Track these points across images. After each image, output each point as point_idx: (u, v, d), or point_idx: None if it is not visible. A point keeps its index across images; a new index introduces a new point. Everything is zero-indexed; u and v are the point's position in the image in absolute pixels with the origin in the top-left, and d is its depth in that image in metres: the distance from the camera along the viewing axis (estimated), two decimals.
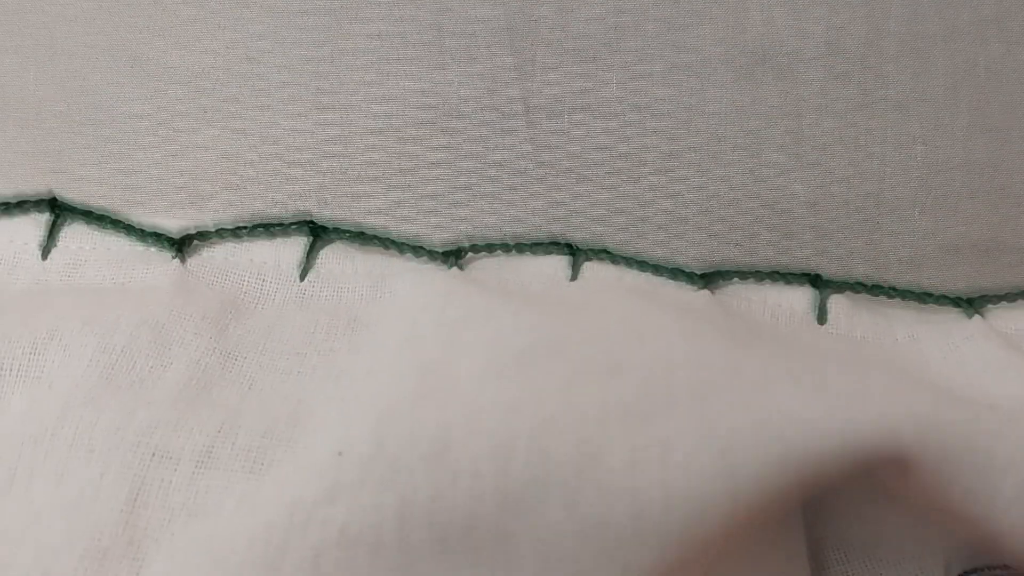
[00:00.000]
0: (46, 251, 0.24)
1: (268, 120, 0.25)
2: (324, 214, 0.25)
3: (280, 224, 0.25)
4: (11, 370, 0.21)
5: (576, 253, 0.25)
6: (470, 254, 0.25)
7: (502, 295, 0.23)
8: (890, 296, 0.25)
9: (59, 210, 0.25)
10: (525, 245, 0.24)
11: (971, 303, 0.25)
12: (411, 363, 0.21)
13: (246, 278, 0.24)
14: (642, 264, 0.24)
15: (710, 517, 0.18)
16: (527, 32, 0.25)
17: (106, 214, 0.25)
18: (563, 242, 0.25)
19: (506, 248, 0.25)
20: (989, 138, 0.25)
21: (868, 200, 0.25)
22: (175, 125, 0.26)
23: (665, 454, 0.19)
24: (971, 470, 0.20)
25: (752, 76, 0.25)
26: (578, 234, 0.25)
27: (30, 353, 0.21)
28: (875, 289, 0.25)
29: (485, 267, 0.25)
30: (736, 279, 0.24)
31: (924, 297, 0.25)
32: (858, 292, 0.25)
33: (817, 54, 0.25)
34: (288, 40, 0.25)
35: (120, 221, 0.25)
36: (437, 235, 0.25)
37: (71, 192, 0.25)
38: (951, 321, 0.25)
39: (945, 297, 0.25)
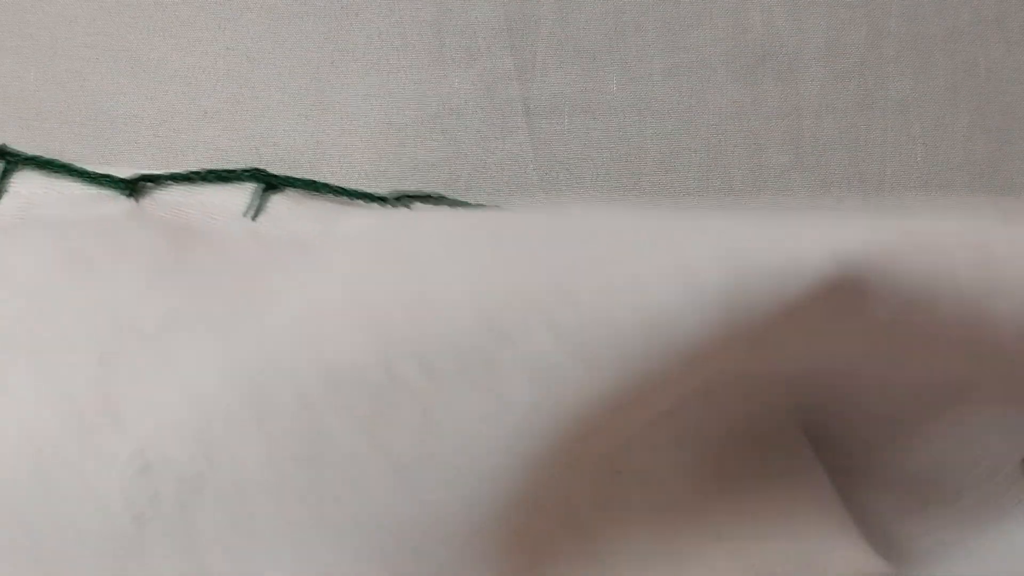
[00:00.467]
0: None
1: (268, 121, 0.25)
2: None
3: (231, 171, 0.24)
4: None
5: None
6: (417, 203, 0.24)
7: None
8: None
9: (9, 157, 0.25)
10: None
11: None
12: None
13: (197, 215, 0.24)
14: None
15: (682, 338, 0.19)
16: (527, 33, 0.25)
17: (55, 160, 0.25)
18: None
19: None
20: (989, 139, 0.25)
21: (868, 201, 0.25)
22: (175, 126, 0.26)
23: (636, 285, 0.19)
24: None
25: (752, 77, 0.25)
26: None
27: None
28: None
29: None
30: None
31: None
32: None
33: (817, 55, 0.25)
34: (288, 41, 0.25)
35: (70, 165, 0.25)
36: None
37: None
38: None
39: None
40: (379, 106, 0.25)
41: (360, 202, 0.24)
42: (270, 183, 0.24)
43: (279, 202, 0.24)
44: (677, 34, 0.25)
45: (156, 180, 0.24)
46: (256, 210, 0.24)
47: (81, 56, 0.26)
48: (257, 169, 0.24)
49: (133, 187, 0.24)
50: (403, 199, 0.24)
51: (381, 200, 0.24)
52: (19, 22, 0.26)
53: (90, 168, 0.25)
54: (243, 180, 0.24)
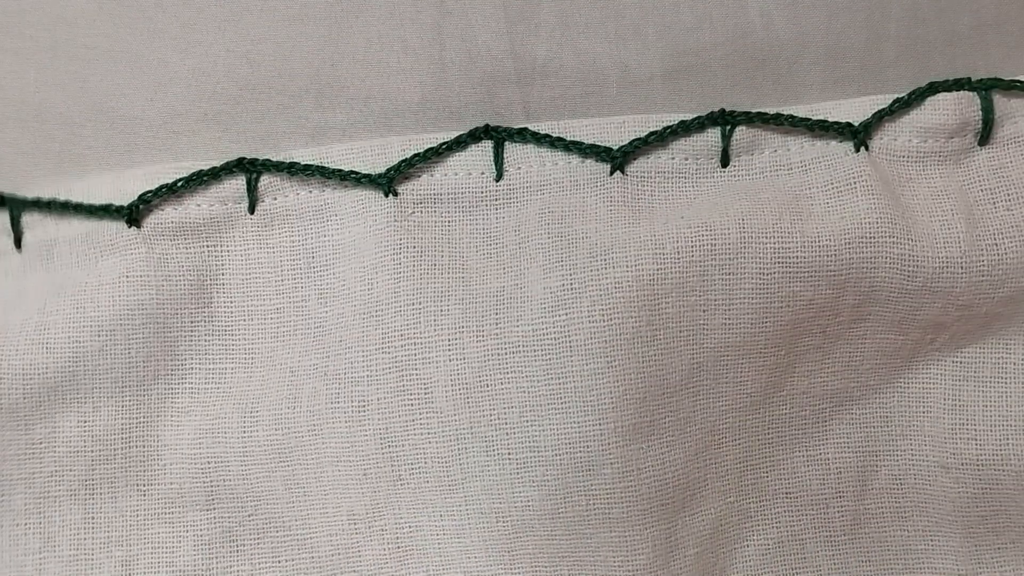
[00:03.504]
0: (19, 242, 0.25)
1: (268, 123, 0.25)
2: None
3: (213, 170, 0.24)
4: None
5: (496, 139, 0.24)
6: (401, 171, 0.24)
7: (444, 236, 0.23)
8: (786, 123, 0.24)
9: (12, 204, 0.25)
10: (446, 145, 0.24)
11: (859, 132, 0.24)
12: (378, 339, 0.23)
13: (204, 231, 0.24)
14: (558, 142, 0.24)
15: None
16: (527, 35, 0.25)
17: (55, 200, 0.25)
18: (483, 128, 0.24)
19: (429, 155, 0.24)
20: None
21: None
22: (175, 127, 0.26)
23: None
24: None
25: (752, 80, 0.25)
26: None
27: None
28: (776, 118, 0.24)
29: (420, 185, 0.24)
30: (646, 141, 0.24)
31: (813, 125, 0.24)
32: (755, 125, 0.24)
33: (817, 58, 0.25)
34: (288, 43, 0.25)
35: (69, 203, 0.25)
36: None
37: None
38: (841, 155, 0.24)
39: (836, 124, 0.24)
40: (379, 108, 0.25)
41: (348, 183, 0.24)
42: (253, 170, 0.24)
43: (269, 191, 0.24)
44: (677, 38, 0.25)
45: (147, 200, 0.24)
46: (251, 203, 0.24)
47: (81, 57, 0.26)
48: (237, 160, 0.24)
49: (131, 213, 0.24)
50: (387, 177, 0.23)
51: (366, 180, 0.24)
52: (19, 23, 0.26)
53: (86, 202, 0.25)
54: (230, 176, 0.24)
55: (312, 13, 0.25)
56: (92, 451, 0.23)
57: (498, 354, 0.23)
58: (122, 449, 0.24)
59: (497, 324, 0.23)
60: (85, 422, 0.23)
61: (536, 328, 0.23)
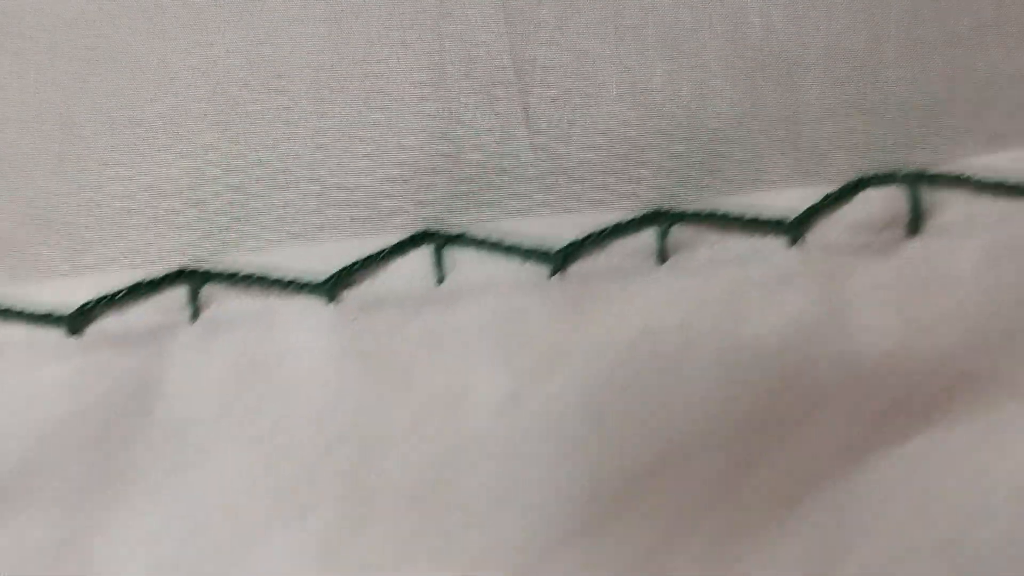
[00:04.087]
0: None
1: (268, 124, 0.25)
2: (324, 218, 0.25)
3: (155, 280, 0.24)
4: None
5: (436, 244, 0.24)
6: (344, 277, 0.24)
7: (388, 340, 0.23)
8: (721, 221, 0.24)
9: None
10: (385, 251, 0.24)
11: (792, 227, 0.24)
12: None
13: (146, 339, 0.24)
14: (498, 245, 0.24)
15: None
16: (527, 36, 0.25)
17: None
18: (421, 233, 0.24)
19: (369, 263, 0.24)
20: (989, 142, 0.25)
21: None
22: (175, 128, 0.26)
23: None
24: None
25: (752, 81, 0.25)
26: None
27: None
28: (711, 216, 0.24)
29: (362, 291, 0.24)
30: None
31: (748, 222, 0.24)
32: (690, 222, 0.24)
33: (817, 59, 0.25)
34: (288, 44, 0.25)
35: (11, 310, 0.24)
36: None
37: (72, 195, 0.26)
38: (776, 250, 0.24)
39: (769, 221, 0.24)
40: (379, 109, 0.25)
41: (290, 291, 0.24)
42: (194, 281, 0.24)
43: (211, 299, 0.24)
44: (677, 38, 0.25)
45: (86, 309, 0.24)
46: (194, 311, 0.24)
47: (81, 58, 0.26)
48: (178, 271, 0.24)
49: (74, 322, 0.24)
50: (331, 282, 0.24)
51: (308, 287, 0.24)
52: (19, 24, 0.26)
53: (29, 308, 0.24)
54: (171, 286, 0.24)
55: (312, 13, 0.25)
56: (23, 568, 0.23)
57: (444, 458, 0.23)
58: (54, 564, 0.23)
59: (443, 428, 0.23)
60: (18, 536, 0.23)
61: (482, 433, 0.23)
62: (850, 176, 0.25)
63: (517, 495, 0.23)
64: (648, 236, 0.24)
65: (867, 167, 0.25)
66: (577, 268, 0.24)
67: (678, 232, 0.24)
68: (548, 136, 0.25)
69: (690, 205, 0.24)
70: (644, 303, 0.24)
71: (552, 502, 0.22)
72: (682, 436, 0.23)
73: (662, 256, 0.24)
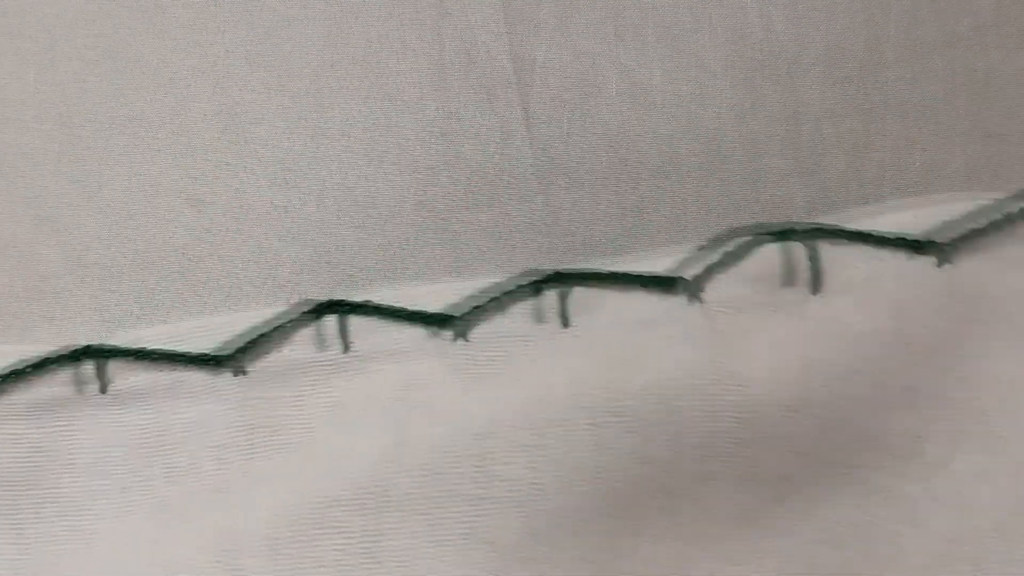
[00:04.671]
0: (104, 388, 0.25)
1: (268, 124, 0.25)
2: (324, 218, 0.25)
3: (62, 357, 0.24)
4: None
5: (340, 313, 0.24)
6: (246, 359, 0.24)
7: (296, 409, 0.24)
8: (621, 283, 0.24)
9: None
10: (291, 322, 0.24)
11: (691, 286, 0.24)
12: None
13: (55, 411, 0.24)
14: (401, 312, 0.24)
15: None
16: (527, 36, 0.25)
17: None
18: (326, 302, 0.24)
19: (274, 335, 0.24)
20: (988, 143, 0.25)
21: (868, 205, 0.25)
22: (174, 128, 0.26)
23: None
24: None
25: (751, 81, 0.25)
26: (577, 239, 0.25)
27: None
28: (611, 277, 0.24)
29: (269, 361, 0.24)
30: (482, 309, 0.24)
31: (648, 282, 0.24)
32: (591, 284, 0.24)
33: (816, 59, 0.25)
34: (288, 44, 0.25)
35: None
36: (436, 240, 0.25)
37: (73, 196, 0.25)
38: (677, 308, 0.24)
39: (669, 279, 0.24)
40: (378, 109, 0.25)
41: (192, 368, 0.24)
42: (96, 356, 0.24)
43: (116, 374, 0.24)
44: (676, 38, 0.25)
45: (3, 380, 0.24)
46: (102, 386, 0.24)
47: (81, 58, 0.26)
48: (74, 350, 0.24)
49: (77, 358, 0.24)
50: (232, 358, 0.24)
51: (206, 363, 0.24)
52: (18, 24, 0.26)
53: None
54: (73, 363, 0.24)
55: (312, 13, 0.25)
56: None
57: (318, 510, 0.23)
58: None
59: (319, 480, 0.23)
60: None
61: (359, 483, 0.23)
62: (848, 176, 0.25)
63: (386, 551, 0.22)
64: (551, 298, 0.24)
65: (867, 166, 0.25)
66: (481, 331, 0.24)
67: (580, 294, 0.24)
68: (548, 136, 0.25)
69: (590, 267, 0.24)
70: (542, 364, 0.24)
71: (420, 562, 0.22)
72: (571, 498, 0.23)
73: (564, 319, 0.24)
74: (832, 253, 0.24)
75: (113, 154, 0.26)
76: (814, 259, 0.23)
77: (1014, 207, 0.23)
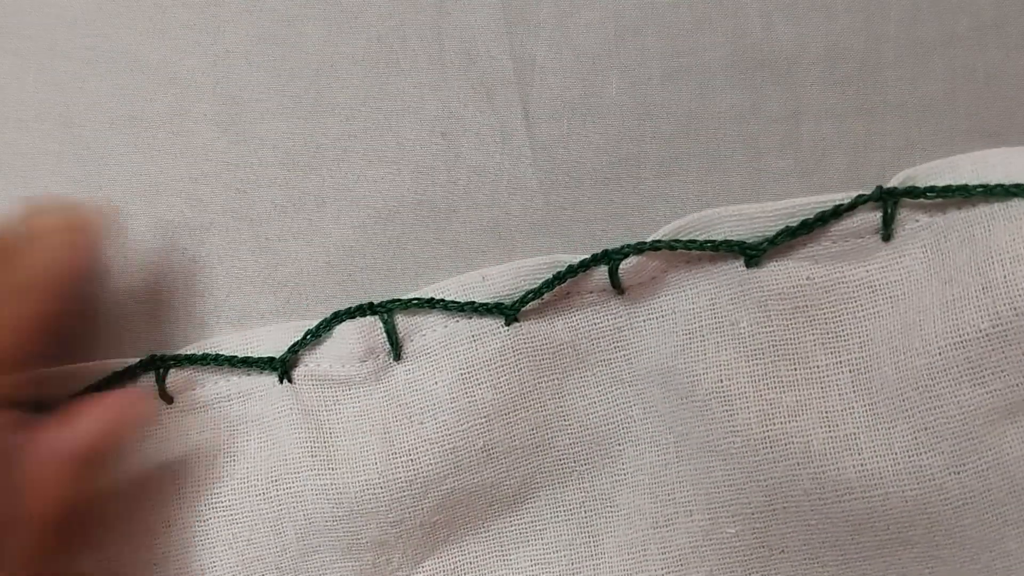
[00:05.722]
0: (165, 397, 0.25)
1: (268, 124, 0.25)
2: (323, 217, 0.25)
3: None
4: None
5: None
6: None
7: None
8: (212, 363, 0.25)
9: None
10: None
11: (278, 365, 0.25)
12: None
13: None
14: (236, 360, 0.25)
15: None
16: (527, 36, 0.25)
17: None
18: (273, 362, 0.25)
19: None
20: (987, 143, 0.26)
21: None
22: (174, 128, 0.26)
23: None
24: None
25: (751, 81, 0.25)
26: (577, 239, 0.25)
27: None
28: (204, 359, 0.25)
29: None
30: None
31: (237, 362, 0.25)
32: (186, 366, 0.25)
33: (816, 59, 0.25)
34: (288, 44, 0.25)
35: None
36: (436, 239, 0.25)
37: (73, 195, 0.26)
38: (269, 387, 0.25)
39: (260, 360, 0.25)
40: (378, 109, 0.25)
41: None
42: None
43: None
44: (676, 38, 0.25)
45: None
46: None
47: (81, 58, 0.26)
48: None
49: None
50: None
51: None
52: (19, 24, 0.26)
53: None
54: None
55: (312, 13, 0.25)
56: None
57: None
58: None
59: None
60: None
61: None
62: (856, 184, 0.25)
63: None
64: (149, 379, 0.25)
65: (867, 166, 0.25)
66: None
67: (180, 374, 0.25)
68: (548, 136, 0.25)
69: (188, 348, 0.25)
70: (155, 441, 0.25)
71: None
72: None
73: (166, 397, 0.25)
74: (411, 323, 0.24)
75: (113, 154, 0.26)
76: (390, 331, 0.24)
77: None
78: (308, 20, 0.25)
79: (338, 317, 0.24)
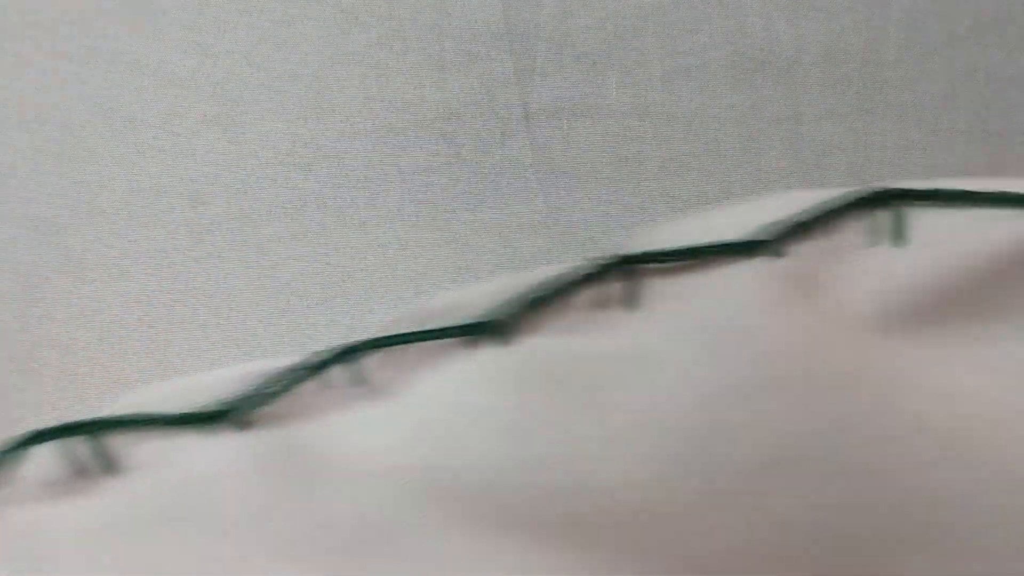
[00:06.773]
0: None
1: (268, 124, 0.25)
2: (323, 218, 0.25)
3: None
4: None
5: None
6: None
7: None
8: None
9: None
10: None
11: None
12: None
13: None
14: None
15: None
16: (527, 36, 0.25)
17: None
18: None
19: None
20: (988, 143, 0.26)
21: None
22: (175, 128, 0.26)
23: None
24: None
25: (752, 81, 0.25)
26: (577, 239, 0.25)
27: None
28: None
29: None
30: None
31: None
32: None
33: (816, 59, 0.25)
34: (289, 44, 0.25)
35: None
36: (436, 239, 0.25)
37: (73, 195, 0.26)
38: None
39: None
40: (378, 109, 0.25)
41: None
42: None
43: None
44: (676, 39, 0.25)
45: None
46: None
47: (82, 59, 0.26)
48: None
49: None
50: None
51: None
52: (20, 24, 0.26)
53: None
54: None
55: (311, 14, 0.25)
56: None
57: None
58: None
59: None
60: None
61: None
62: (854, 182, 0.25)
63: None
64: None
65: (867, 166, 0.25)
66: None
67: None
68: (548, 136, 0.25)
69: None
70: None
71: None
72: None
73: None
74: (120, 446, 0.22)
75: (113, 155, 0.26)
76: (98, 454, 0.21)
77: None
78: (308, 21, 0.25)
79: (41, 436, 0.21)
